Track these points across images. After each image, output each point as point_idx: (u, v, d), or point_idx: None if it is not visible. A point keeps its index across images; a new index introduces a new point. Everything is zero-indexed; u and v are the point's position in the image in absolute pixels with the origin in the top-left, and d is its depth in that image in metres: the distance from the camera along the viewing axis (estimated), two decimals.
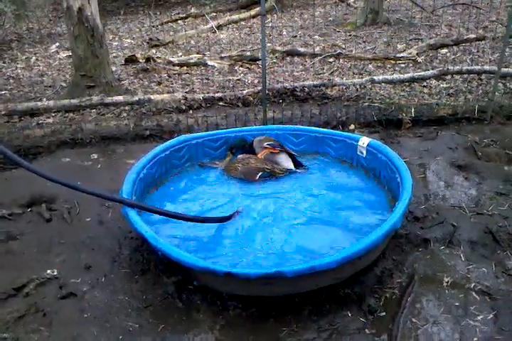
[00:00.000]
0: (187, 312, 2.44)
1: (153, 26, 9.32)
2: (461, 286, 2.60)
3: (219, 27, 8.94)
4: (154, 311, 2.45)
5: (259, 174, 3.51)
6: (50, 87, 5.92)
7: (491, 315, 2.40)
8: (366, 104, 5.03)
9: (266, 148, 3.69)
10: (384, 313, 2.43)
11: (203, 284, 2.56)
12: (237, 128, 4.00)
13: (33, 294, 2.58)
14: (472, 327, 2.34)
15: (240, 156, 3.68)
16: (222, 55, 6.96)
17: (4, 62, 7.15)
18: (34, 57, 7.35)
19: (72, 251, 2.93)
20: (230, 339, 2.29)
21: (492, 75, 5.57)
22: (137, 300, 2.53)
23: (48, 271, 2.74)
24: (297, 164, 3.65)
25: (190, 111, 5.04)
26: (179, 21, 9.71)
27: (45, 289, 2.62)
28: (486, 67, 5.83)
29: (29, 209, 3.38)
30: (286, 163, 3.64)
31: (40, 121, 4.82)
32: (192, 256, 2.41)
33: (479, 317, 2.39)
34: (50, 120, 4.86)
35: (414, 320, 2.39)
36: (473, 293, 2.55)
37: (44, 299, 2.54)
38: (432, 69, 6.02)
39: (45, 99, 5.40)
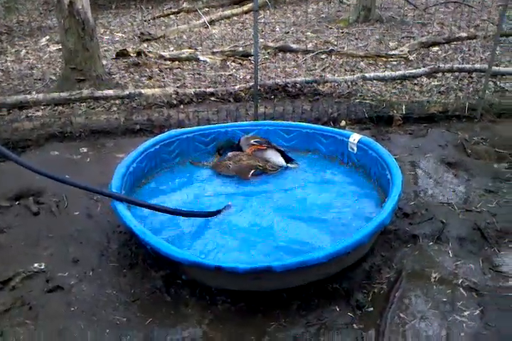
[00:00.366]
0: (175, 307, 2.43)
1: (144, 20, 9.24)
2: (448, 282, 2.61)
3: (211, 22, 8.89)
4: (142, 305, 2.44)
5: (252, 172, 3.50)
6: (39, 80, 5.86)
7: (478, 311, 2.41)
8: (357, 100, 5.03)
9: (253, 145, 3.67)
10: (372, 308, 2.44)
11: (192, 279, 2.55)
12: (228, 124, 3.99)
13: (20, 287, 2.56)
14: (459, 322, 2.35)
15: (230, 153, 3.64)
16: (214, 50, 6.93)
17: None
18: (24, 50, 7.27)
19: (59, 244, 2.90)
20: (218, 333, 2.29)
21: (483, 73, 5.60)
22: (125, 294, 2.51)
23: (35, 265, 2.71)
24: (288, 159, 3.65)
25: (181, 106, 5.02)
26: (171, 16, 9.63)
27: (32, 282, 2.59)
28: (477, 66, 5.86)
29: (17, 203, 3.35)
30: (276, 159, 3.63)
31: (30, 114, 4.77)
32: (181, 250, 2.40)
33: (466, 313, 2.40)
34: (40, 113, 4.81)
35: (402, 315, 2.40)
36: (461, 288, 2.57)
37: (30, 292, 2.52)
38: (424, 67, 6.03)
39: (34, 92, 5.34)
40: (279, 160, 3.62)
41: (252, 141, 3.68)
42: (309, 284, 2.52)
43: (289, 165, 3.62)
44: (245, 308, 2.43)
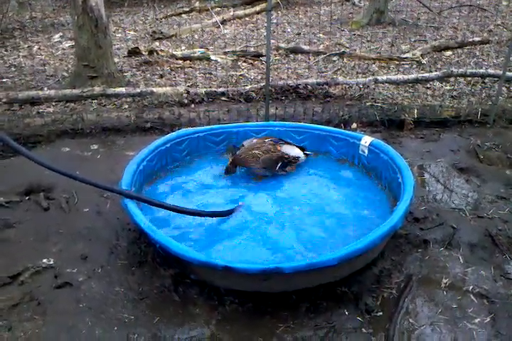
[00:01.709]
0: (183, 306, 2.42)
1: (157, 19, 9.26)
2: (459, 288, 2.59)
3: (223, 22, 8.89)
4: (150, 303, 2.44)
5: (279, 164, 3.46)
6: (51, 76, 5.88)
7: (489, 319, 2.39)
8: (369, 103, 5.01)
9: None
10: (381, 313, 2.42)
11: (201, 278, 2.54)
12: (239, 124, 3.98)
13: (29, 282, 2.57)
14: (469, 329, 2.33)
15: (248, 142, 3.57)
16: (226, 50, 6.93)
17: (6, 51, 7.09)
18: (36, 46, 7.30)
19: (69, 240, 2.91)
20: (225, 334, 2.28)
21: (496, 79, 5.56)
22: (133, 292, 2.51)
23: (44, 260, 2.72)
24: (302, 150, 3.66)
25: (192, 105, 5.01)
26: (183, 15, 9.65)
27: (41, 278, 2.60)
28: (491, 71, 5.82)
29: (27, 198, 3.36)
30: (293, 151, 3.61)
31: (41, 110, 4.79)
32: (190, 249, 2.39)
33: (476, 320, 2.38)
34: (51, 109, 4.83)
35: (411, 320, 2.38)
36: (471, 295, 2.54)
37: (39, 288, 2.53)
38: (436, 71, 6.00)
39: (46, 89, 5.36)
40: (297, 152, 3.61)
41: (267, 140, 3.63)
42: (318, 287, 2.50)
43: (306, 153, 3.65)
44: (253, 309, 2.42)
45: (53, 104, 4.94)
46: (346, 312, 2.41)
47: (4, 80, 5.73)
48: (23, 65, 6.25)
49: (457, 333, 2.30)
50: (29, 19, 8.96)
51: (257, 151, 3.41)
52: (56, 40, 7.74)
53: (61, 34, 8.03)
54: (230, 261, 2.32)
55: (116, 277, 2.61)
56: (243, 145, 3.57)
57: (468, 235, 3.01)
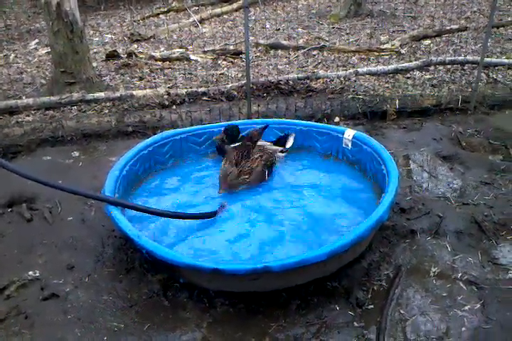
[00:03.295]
0: (173, 311, 2.41)
1: (134, 21, 9.17)
2: (448, 276, 2.60)
3: (201, 21, 8.82)
4: (140, 310, 2.42)
5: (266, 172, 3.40)
6: (29, 84, 5.79)
7: (479, 305, 2.40)
8: (350, 96, 5.00)
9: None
10: (372, 306, 2.42)
11: (190, 282, 2.52)
12: (222, 123, 3.95)
13: (15, 296, 2.53)
14: (460, 317, 2.34)
15: (228, 166, 3.27)
16: (205, 49, 6.88)
17: None
18: (13, 55, 7.20)
19: (54, 251, 2.87)
20: (217, 336, 2.27)
21: (475, 65, 5.59)
22: (122, 299, 2.49)
23: (30, 272, 2.68)
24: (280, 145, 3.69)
25: (174, 107, 4.97)
26: (161, 15, 9.57)
27: (27, 291, 2.57)
28: (469, 58, 5.84)
29: (9, 209, 3.31)
30: (272, 147, 3.62)
31: (20, 120, 4.71)
32: (177, 253, 2.37)
33: (467, 307, 2.39)
34: (30, 118, 4.76)
35: (402, 311, 2.38)
36: (461, 283, 2.55)
37: (26, 301, 2.49)
38: (415, 60, 6.01)
39: (24, 97, 5.28)
40: (275, 148, 3.62)
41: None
42: (308, 283, 2.50)
43: (283, 150, 3.65)
44: (244, 310, 2.41)
45: (32, 112, 4.87)
46: (337, 307, 2.41)
47: None
48: (0, 75, 6.16)
49: (448, 321, 2.31)
50: (4, 27, 8.83)
51: (246, 179, 3.28)
52: (32, 47, 7.64)
53: (37, 41, 7.92)
54: (219, 263, 2.30)
55: (104, 285, 2.58)
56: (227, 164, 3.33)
57: (455, 223, 3.02)
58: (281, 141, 3.72)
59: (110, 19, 9.45)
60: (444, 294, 2.48)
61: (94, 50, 7.09)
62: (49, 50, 6.32)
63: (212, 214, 2.94)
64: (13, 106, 4.89)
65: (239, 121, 4.14)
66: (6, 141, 4.22)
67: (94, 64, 6.03)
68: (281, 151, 3.66)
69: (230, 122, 4.00)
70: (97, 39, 7.93)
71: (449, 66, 5.81)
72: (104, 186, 2.91)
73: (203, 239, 2.79)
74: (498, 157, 3.84)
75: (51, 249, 2.89)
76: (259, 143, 3.59)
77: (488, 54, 5.98)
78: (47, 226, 3.11)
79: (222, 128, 3.66)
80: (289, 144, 3.69)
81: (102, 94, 5.06)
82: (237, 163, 3.27)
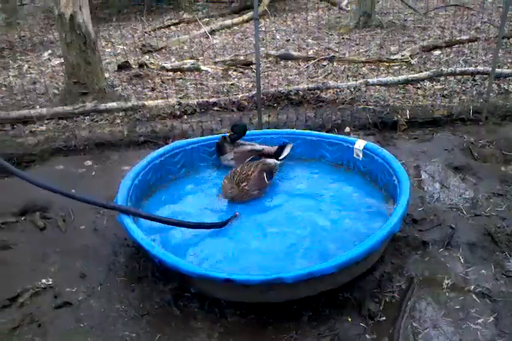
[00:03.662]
0: (184, 320, 2.41)
1: (145, 32, 9.29)
2: (460, 289, 2.58)
3: (212, 32, 8.92)
4: (151, 320, 2.42)
5: (265, 176, 3.40)
6: (42, 94, 5.87)
7: (492, 318, 2.38)
8: (361, 106, 5.01)
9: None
10: (384, 318, 2.41)
11: (201, 291, 2.52)
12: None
13: (28, 304, 2.55)
14: (473, 330, 2.32)
15: (228, 183, 3.29)
16: (216, 60, 6.95)
17: None
18: (26, 65, 7.31)
19: (66, 259, 2.89)
20: None
21: (486, 76, 5.58)
22: (134, 308, 2.49)
23: (43, 281, 2.70)
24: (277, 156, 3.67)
25: (185, 117, 5.01)
26: (172, 27, 9.69)
27: (40, 299, 2.58)
28: (480, 68, 5.84)
29: (23, 218, 3.34)
30: (268, 160, 3.61)
31: (33, 129, 4.78)
32: (189, 262, 2.38)
33: (480, 320, 2.37)
34: (43, 127, 4.82)
35: (414, 324, 2.36)
36: (473, 295, 2.53)
37: (39, 309, 2.51)
38: (426, 70, 6.02)
39: (38, 107, 5.35)
40: (270, 161, 3.60)
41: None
42: (320, 294, 2.49)
43: (280, 158, 3.65)
44: (255, 321, 2.40)
45: (45, 122, 4.93)
46: (349, 319, 2.40)
47: None
48: (14, 85, 6.25)
49: (462, 334, 2.29)
50: (18, 38, 8.97)
51: (245, 187, 3.27)
52: (45, 57, 7.74)
53: (50, 52, 8.04)
54: (231, 273, 2.30)
55: (116, 294, 2.59)
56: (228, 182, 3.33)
57: (467, 234, 3.00)
58: (277, 152, 3.68)
59: (122, 30, 9.54)
60: (457, 307, 2.46)
61: (107, 61, 7.18)
62: (62, 60, 6.41)
63: (223, 224, 2.95)
64: (27, 116, 4.95)
65: (249, 131, 4.16)
66: (20, 150, 4.27)
67: (107, 74, 6.11)
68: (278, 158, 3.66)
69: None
70: (109, 50, 8.03)
71: (459, 76, 5.81)
72: (117, 195, 2.93)
73: (213, 249, 2.79)
74: (510, 168, 3.81)
75: (64, 257, 2.91)
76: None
77: (499, 64, 5.97)
78: (60, 235, 3.14)
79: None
80: (283, 155, 3.65)
81: (114, 104, 5.11)
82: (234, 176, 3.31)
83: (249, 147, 3.74)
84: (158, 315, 2.44)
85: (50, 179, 3.51)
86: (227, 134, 3.71)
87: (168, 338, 2.30)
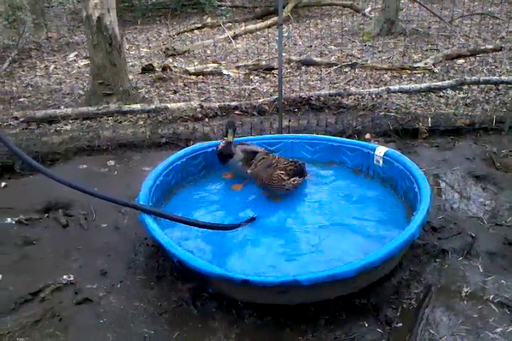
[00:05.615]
0: (202, 320, 2.43)
1: (169, 36, 9.42)
2: (479, 298, 2.56)
3: (235, 37, 9.00)
4: (169, 318, 2.45)
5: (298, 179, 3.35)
6: (68, 94, 6.00)
7: (511, 328, 2.35)
8: (382, 113, 5.01)
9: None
10: (401, 324, 2.40)
11: (219, 292, 2.55)
12: (253, 137, 4.01)
13: (49, 299, 2.60)
14: (491, 339, 2.30)
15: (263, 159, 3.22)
16: (238, 65, 7.00)
17: (23, 70, 7.27)
18: (52, 66, 7.47)
19: (88, 256, 2.94)
20: None
21: (510, 85, 5.54)
22: (152, 306, 2.53)
23: (64, 277, 2.75)
24: None
25: (206, 120, 5.07)
26: (195, 31, 9.80)
27: (62, 294, 2.63)
28: (504, 78, 5.79)
29: (46, 215, 3.41)
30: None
31: (58, 128, 4.89)
32: (208, 262, 2.40)
33: (498, 330, 2.35)
34: (68, 127, 4.92)
35: (431, 331, 2.35)
36: (492, 304, 2.51)
37: (60, 304, 2.56)
38: (449, 79, 5.99)
39: (63, 107, 5.47)
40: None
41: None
42: (337, 298, 2.49)
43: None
44: (272, 322, 2.42)
45: (70, 121, 5.04)
46: (366, 324, 2.40)
47: (21, 100, 5.86)
48: (40, 84, 6.39)
49: None
50: (45, 39, 9.18)
51: (280, 172, 3.19)
52: (71, 58, 7.90)
53: (76, 53, 8.20)
54: (249, 275, 2.33)
55: (135, 292, 2.63)
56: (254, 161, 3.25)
57: (487, 244, 2.98)
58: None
59: (147, 33, 9.72)
60: (475, 315, 2.44)
61: (131, 63, 7.31)
62: (87, 62, 6.56)
63: (241, 225, 2.98)
64: (52, 116, 5.06)
65: (269, 135, 4.19)
66: (45, 149, 4.37)
67: (131, 77, 6.21)
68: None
69: (261, 136, 4.05)
70: (133, 53, 8.17)
71: (483, 86, 5.77)
72: (139, 195, 2.98)
73: (235, 250, 2.82)
74: None
75: (85, 254, 2.96)
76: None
77: None
78: (82, 232, 3.20)
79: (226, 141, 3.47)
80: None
81: (137, 106, 5.20)
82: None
83: (253, 147, 3.60)
84: (176, 314, 2.47)
85: (74, 178, 3.58)
86: (229, 137, 3.44)
87: (185, 337, 2.33)
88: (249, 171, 3.16)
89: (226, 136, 3.44)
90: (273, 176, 3.18)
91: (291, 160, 3.41)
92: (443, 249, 2.93)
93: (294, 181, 3.29)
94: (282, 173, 3.22)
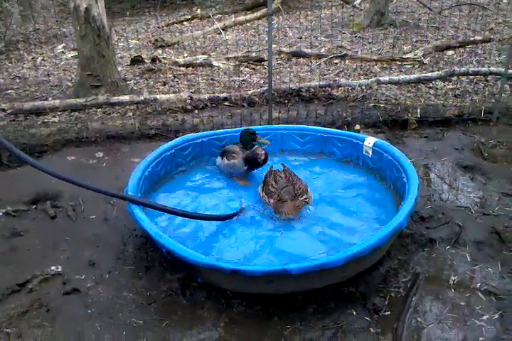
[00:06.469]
0: (191, 309, 2.44)
1: (158, 27, 9.34)
2: (466, 286, 2.58)
3: (224, 28, 8.95)
4: (158, 308, 2.45)
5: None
6: (56, 86, 5.93)
7: (497, 315, 2.38)
8: (372, 104, 5.01)
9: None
10: (389, 312, 2.42)
11: (208, 281, 2.55)
12: (243, 128, 3.99)
13: (37, 290, 2.59)
14: (478, 326, 2.32)
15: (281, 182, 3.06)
16: (228, 56, 6.97)
17: (11, 62, 7.17)
18: (40, 58, 7.38)
19: (76, 247, 2.93)
20: (234, 336, 2.29)
21: (498, 77, 5.55)
22: (141, 296, 2.53)
23: (52, 268, 2.74)
24: None
25: (196, 111, 5.04)
26: (185, 23, 9.73)
27: (49, 285, 2.63)
28: (493, 69, 5.81)
29: (34, 207, 3.39)
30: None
31: (46, 120, 4.84)
32: (197, 253, 2.40)
33: (485, 317, 2.37)
34: (56, 119, 4.88)
35: (419, 319, 2.37)
36: (479, 293, 2.53)
37: (48, 295, 2.55)
38: (438, 70, 6.00)
39: (51, 99, 5.41)
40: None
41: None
42: (325, 287, 2.50)
43: None
44: (261, 311, 2.43)
45: (58, 113, 4.99)
46: (354, 313, 2.42)
47: (9, 92, 5.79)
48: (28, 76, 6.32)
49: (466, 330, 2.30)
50: (32, 31, 9.06)
51: (302, 198, 2.97)
52: (59, 50, 7.81)
53: (64, 45, 8.11)
54: (238, 264, 2.33)
55: (124, 282, 2.63)
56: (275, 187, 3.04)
57: (475, 233, 3.00)
58: None
59: (135, 25, 9.63)
60: (462, 303, 2.47)
61: (120, 55, 7.24)
62: (76, 54, 6.49)
63: (230, 216, 2.97)
64: (40, 107, 5.01)
65: (259, 126, 4.18)
66: (33, 141, 4.33)
67: (120, 68, 6.16)
68: None
69: (250, 127, 4.03)
70: (122, 44, 8.09)
71: (472, 77, 5.78)
72: (127, 186, 2.96)
73: (224, 240, 2.83)
74: None
75: (74, 245, 2.95)
76: None
77: None
78: (70, 224, 3.18)
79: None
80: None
81: (126, 98, 5.16)
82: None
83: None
84: (165, 304, 2.47)
85: (62, 169, 3.54)
86: (265, 141, 3.46)
87: (174, 326, 2.34)
88: (272, 201, 2.97)
89: (257, 141, 3.43)
90: (298, 207, 2.95)
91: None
92: (431, 238, 2.95)
93: (310, 192, 3.10)
94: (305, 198, 2.99)
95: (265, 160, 3.44)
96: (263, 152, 3.43)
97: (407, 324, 2.34)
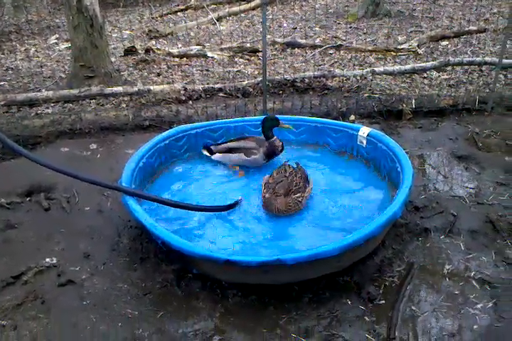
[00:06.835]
0: (186, 300, 2.44)
1: (152, 18, 9.25)
2: (461, 275, 2.60)
3: (219, 19, 8.87)
4: (153, 299, 2.46)
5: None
6: (49, 77, 5.88)
7: (491, 304, 2.40)
8: (366, 95, 5.00)
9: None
10: (383, 301, 2.43)
11: (203, 272, 2.55)
12: (237, 119, 3.98)
13: (32, 282, 2.58)
14: (472, 315, 2.34)
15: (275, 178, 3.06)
16: (223, 47, 6.92)
17: (3, 54, 7.10)
18: (33, 49, 7.31)
19: (71, 239, 2.92)
20: (229, 326, 2.30)
21: (493, 66, 5.55)
22: (136, 287, 2.53)
23: (47, 260, 2.73)
24: None
25: (190, 102, 5.02)
26: (179, 13, 9.64)
27: (44, 277, 2.62)
28: (487, 59, 5.80)
29: (28, 199, 3.37)
30: None
31: (39, 112, 4.80)
32: (192, 243, 2.40)
33: (479, 305, 2.39)
34: (49, 110, 4.84)
35: (413, 308, 2.39)
36: (473, 281, 2.55)
37: (43, 287, 2.55)
38: (433, 60, 5.98)
39: (44, 90, 5.37)
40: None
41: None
42: (320, 277, 2.51)
43: None
44: (256, 301, 2.43)
45: (51, 105, 4.95)
46: (349, 302, 2.43)
47: (2, 83, 5.74)
48: (21, 68, 6.25)
49: (460, 319, 2.31)
50: (25, 22, 8.96)
51: (295, 196, 2.93)
52: (52, 41, 7.74)
53: (57, 36, 8.03)
54: (232, 254, 2.33)
55: (119, 274, 2.63)
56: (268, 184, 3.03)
57: (469, 222, 3.02)
58: None
59: (129, 16, 9.54)
60: (456, 292, 2.49)
61: (113, 46, 7.18)
62: (69, 45, 6.42)
63: (227, 208, 2.97)
64: (33, 99, 4.97)
65: (254, 117, 4.16)
66: (26, 132, 4.30)
67: (113, 59, 6.10)
68: None
69: (245, 118, 4.02)
70: (115, 35, 8.01)
71: (466, 67, 5.77)
72: (121, 177, 2.95)
73: (220, 231, 2.82)
74: None
75: (68, 237, 2.94)
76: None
77: (507, 55, 5.91)
78: (64, 216, 3.17)
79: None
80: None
81: (120, 89, 5.12)
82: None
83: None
84: (160, 295, 2.48)
85: (56, 161, 3.52)
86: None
87: (170, 316, 2.34)
88: (267, 196, 2.92)
89: (280, 126, 3.50)
90: (289, 204, 2.91)
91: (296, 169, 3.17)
92: (425, 227, 2.96)
93: (307, 193, 3.05)
94: (298, 196, 2.96)
95: (282, 150, 3.54)
96: (280, 143, 3.51)
97: (401, 312, 2.35)
